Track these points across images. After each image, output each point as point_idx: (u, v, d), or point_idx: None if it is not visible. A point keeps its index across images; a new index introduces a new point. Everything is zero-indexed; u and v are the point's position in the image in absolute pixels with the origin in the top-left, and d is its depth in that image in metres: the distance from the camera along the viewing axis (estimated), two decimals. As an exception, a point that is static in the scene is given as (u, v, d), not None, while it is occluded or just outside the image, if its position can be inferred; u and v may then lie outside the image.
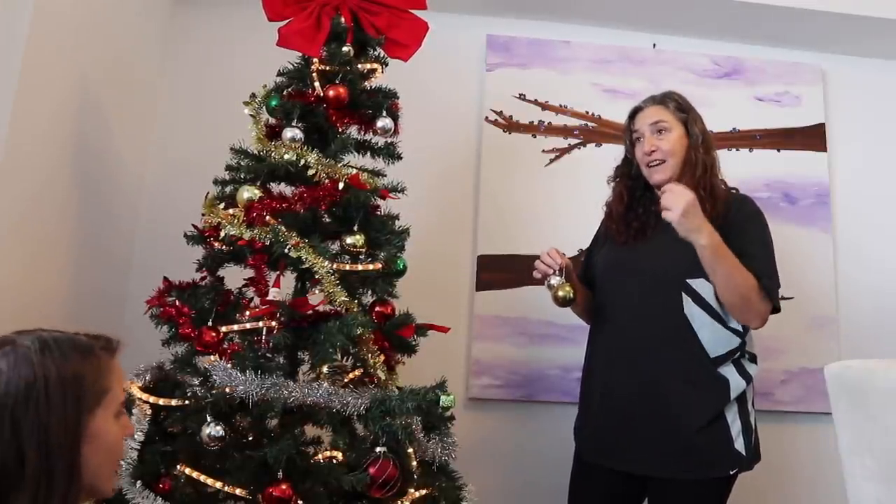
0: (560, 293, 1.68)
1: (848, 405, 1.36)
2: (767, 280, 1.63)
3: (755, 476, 2.37)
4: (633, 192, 1.82)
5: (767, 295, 1.63)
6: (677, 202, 1.54)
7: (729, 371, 1.64)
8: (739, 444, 1.62)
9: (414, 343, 1.66)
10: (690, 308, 1.64)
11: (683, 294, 1.64)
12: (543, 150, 2.51)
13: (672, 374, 1.63)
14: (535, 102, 2.54)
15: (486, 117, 2.51)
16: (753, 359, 1.71)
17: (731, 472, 1.62)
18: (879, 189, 2.65)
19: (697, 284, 1.64)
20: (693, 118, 1.77)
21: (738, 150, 2.58)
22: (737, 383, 1.63)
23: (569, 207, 2.40)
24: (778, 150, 2.60)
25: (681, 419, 1.61)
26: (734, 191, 1.80)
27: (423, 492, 1.46)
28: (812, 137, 2.61)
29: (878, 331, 2.51)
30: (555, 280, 1.69)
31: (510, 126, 2.52)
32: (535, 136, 2.52)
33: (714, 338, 1.64)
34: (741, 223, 1.68)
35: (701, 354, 1.63)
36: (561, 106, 2.55)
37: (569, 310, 1.87)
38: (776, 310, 1.68)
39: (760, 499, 2.38)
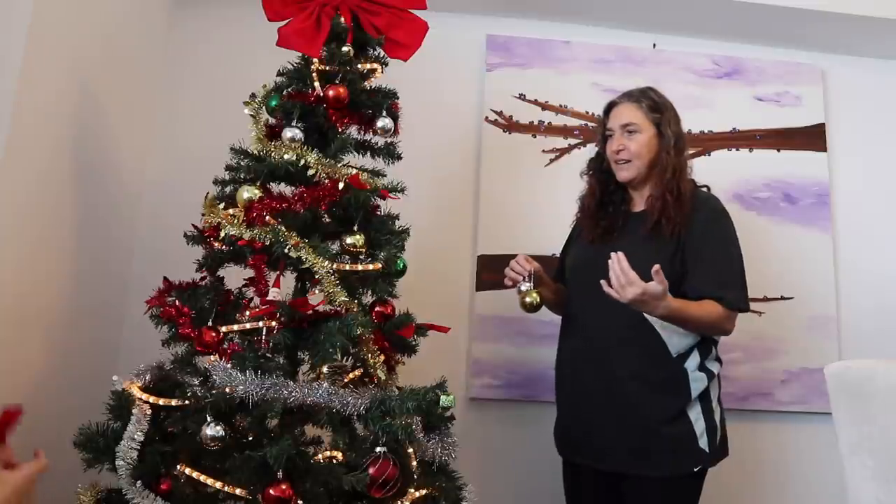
0: (527, 299, 1.74)
1: (848, 405, 1.36)
2: (728, 292, 1.65)
3: (755, 475, 2.38)
4: (605, 187, 1.85)
5: (731, 307, 1.65)
6: (625, 293, 1.53)
7: (691, 369, 1.66)
8: (703, 443, 1.64)
9: (414, 343, 1.66)
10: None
11: None
12: (543, 150, 2.51)
13: (634, 374, 1.66)
14: (535, 102, 2.54)
15: (486, 117, 2.51)
16: (717, 358, 1.74)
17: (695, 469, 1.64)
18: (879, 189, 2.65)
19: None
20: (668, 119, 1.76)
21: (738, 150, 2.58)
22: (698, 382, 1.66)
23: (569, 207, 2.39)
24: (778, 150, 2.60)
25: (644, 418, 1.64)
26: (705, 188, 1.81)
27: (423, 492, 1.46)
28: (812, 137, 2.61)
29: (878, 331, 2.52)
30: (524, 286, 1.76)
31: (510, 126, 2.52)
32: (535, 136, 2.52)
33: (675, 337, 1.66)
34: (703, 224, 1.69)
35: (663, 353, 1.66)
36: (561, 106, 2.55)
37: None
38: (745, 310, 1.70)
39: (760, 498, 2.38)
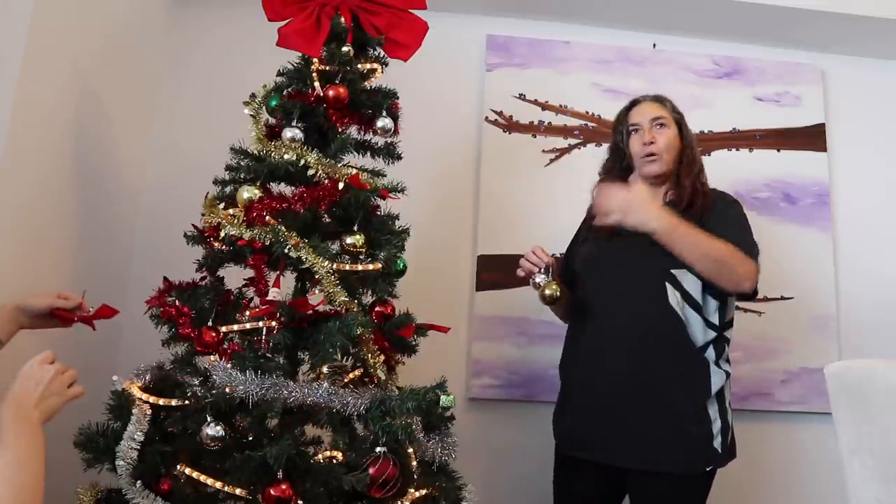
0: (547, 291, 1.71)
1: (848, 405, 1.36)
2: (743, 244, 1.65)
3: (755, 476, 2.38)
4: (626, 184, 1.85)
5: (747, 254, 1.63)
6: (613, 204, 1.56)
7: (711, 363, 1.67)
8: (717, 442, 1.64)
9: (414, 343, 1.66)
10: (675, 298, 1.66)
11: (668, 285, 1.66)
12: (543, 150, 2.51)
13: (658, 367, 1.65)
14: (535, 102, 2.54)
15: (486, 117, 2.51)
16: (728, 359, 1.74)
17: (707, 469, 1.64)
18: (879, 189, 2.65)
19: (681, 275, 1.66)
20: (685, 121, 1.84)
21: (738, 150, 2.58)
22: (717, 376, 1.66)
23: (569, 207, 2.40)
24: (778, 150, 2.60)
25: (664, 413, 1.63)
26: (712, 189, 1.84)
27: (423, 492, 1.46)
28: (812, 137, 2.61)
29: (878, 331, 2.52)
30: (540, 278, 1.72)
31: (510, 126, 2.52)
32: (535, 136, 2.52)
33: (697, 328, 1.67)
34: (720, 212, 1.73)
35: (687, 345, 1.66)
36: (561, 106, 2.55)
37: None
38: (755, 279, 1.67)
39: (760, 498, 2.38)
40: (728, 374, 1.69)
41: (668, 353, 1.65)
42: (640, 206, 1.57)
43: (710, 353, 1.67)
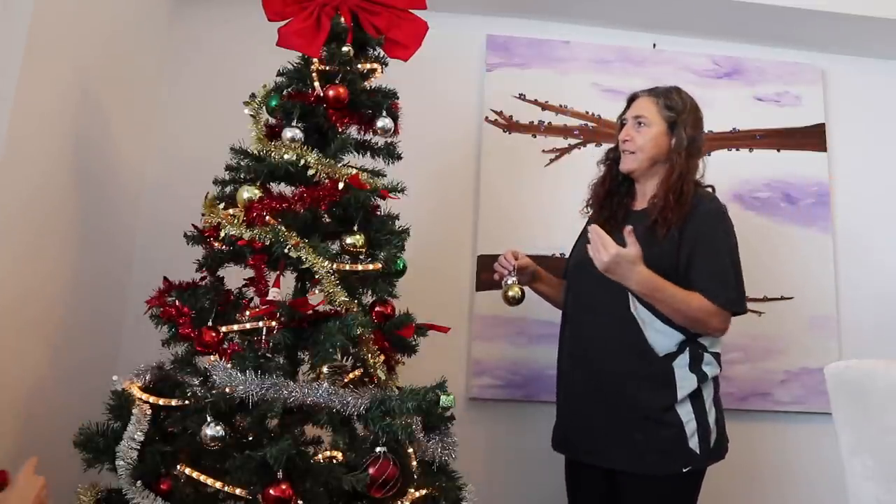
0: (509, 293, 1.82)
1: (848, 405, 1.36)
2: (719, 288, 1.64)
3: (754, 476, 2.38)
4: (615, 177, 1.87)
5: (723, 307, 1.64)
6: (601, 257, 1.60)
7: (679, 368, 1.65)
8: (694, 443, 1.63)
9: (414, 343, 1.66)
10: (636, 307, 1.67)
11: (629, 293, 1.66)
12: (543, 150, 2.51)
13: (621, 371, 1.67)
14: (535, 102, 2.54)
15: (486, 117, 2.51)
16: (715, 357, 1.71)
17: (684, 470, 1.62)
18: (879, 189, 2.65)
19: None
20: (683, 121, 1.76)
21: (738, 150, 2.58)
22: (687, 382, 1.64)
23: (569, 207, 2.40)
24: (778, 150, 2.60)
25: (632, 415, 1.65)
26: (710, 188, 1.81)
27: (423, 492, 1.46)
28: (812, 137, 2.61)
29: (878, 331, 2.52)
30: (509, 280, 1.83)
31: (510, 126, 2.52)
32: (535, 136, 2.52)
33: (660, 336, 1.66)
34: (697, 225, 1.68)
35: (648, 352, 1.66)
36: (561, 106, 2.55)
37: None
38: (738, 313, 1.69)
39: (760, 498, 2.38)
40: (706, 377, 1.66)
41: (629, 358, 1.67)
42: (624, 267, 1.59)
43: (683, 359, 1.66)
